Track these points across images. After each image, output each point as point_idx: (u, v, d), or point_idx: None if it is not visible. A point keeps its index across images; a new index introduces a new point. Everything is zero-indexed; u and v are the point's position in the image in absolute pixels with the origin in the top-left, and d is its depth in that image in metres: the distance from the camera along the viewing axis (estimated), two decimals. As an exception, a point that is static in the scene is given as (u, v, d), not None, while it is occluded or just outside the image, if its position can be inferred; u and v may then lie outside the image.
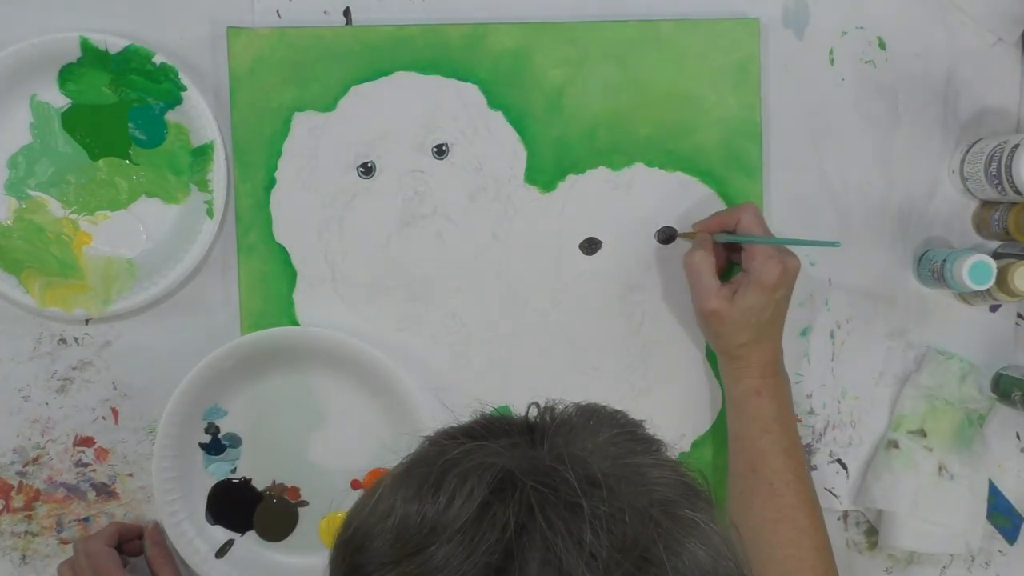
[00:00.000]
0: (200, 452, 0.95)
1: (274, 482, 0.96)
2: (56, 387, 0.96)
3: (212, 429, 0.95)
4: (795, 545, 0.89)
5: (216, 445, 0.95)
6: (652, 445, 0.64)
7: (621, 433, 0.63)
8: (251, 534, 0.96)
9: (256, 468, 0.96)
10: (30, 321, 0.95)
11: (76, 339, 0.96)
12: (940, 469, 0.99)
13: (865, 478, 1.01)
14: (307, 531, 0.97)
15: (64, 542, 0.96)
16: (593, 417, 0.65)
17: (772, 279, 0.90)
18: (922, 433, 1.00)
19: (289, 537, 0.96)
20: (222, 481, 0.96)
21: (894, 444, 1.00)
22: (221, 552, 0.95)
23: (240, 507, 0.96)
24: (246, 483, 0.96)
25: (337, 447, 0.97)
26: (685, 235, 0.97)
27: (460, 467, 0.58)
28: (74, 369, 0.96)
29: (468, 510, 0.56)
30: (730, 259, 0.97)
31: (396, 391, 0.95)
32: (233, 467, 0.96)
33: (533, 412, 0.64)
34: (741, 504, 0.92)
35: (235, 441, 0.96)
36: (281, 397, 0.96)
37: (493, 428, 0.62)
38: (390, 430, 0.96)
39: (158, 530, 0.94)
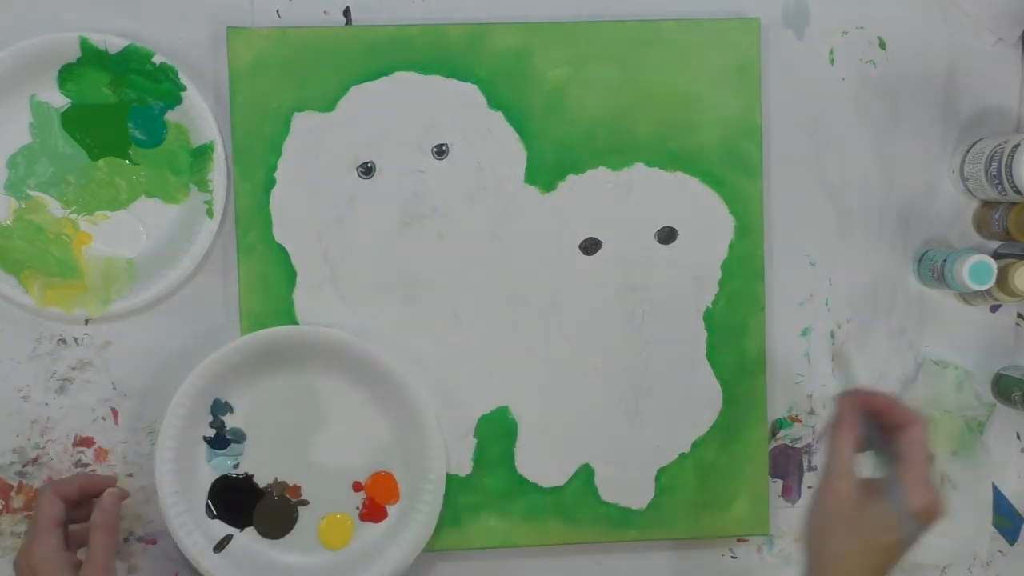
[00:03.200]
0: (204, 445, 0.95)
1: (276, 479, 0.96)
2: (56, 387, 0.96)
3: (217, 423, 0.95)
4: None
5: (220, 439, 0.95)
6: None
7: None
8: (250, 530, 0.96)
9: (258, 465, 0.96)
10: (30, 321, 0.95)
11: (76, 339, 0.96)
12: (942, 480, 0.99)
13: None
14: (306, 530, 0.97)
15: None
16: None
17: (915, 505, 0.77)
18: (922, 444, 1.00)
19: (288, 535, 0.96)
20: (224, 476, 0.96)
21: (895, 458, 1.00)
22: (219, 547, 0.95)
23: (240, 503, 0.96)
24: (248, 479, 0.96)
25: (340, 447, 0.97)
26: (839, 359, 0.92)
27: None
28: (74, 369, 0.96)
29: None
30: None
31: (402, 395, 0.95)
32: (236, 462, 0.96)
33: None
34: None
35: (239, 436, 0.96)
36: (287, 395, 0.96)
37: None
38: (393, 433, 0.97)
39: (115, 499, 0.90)
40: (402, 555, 0.95)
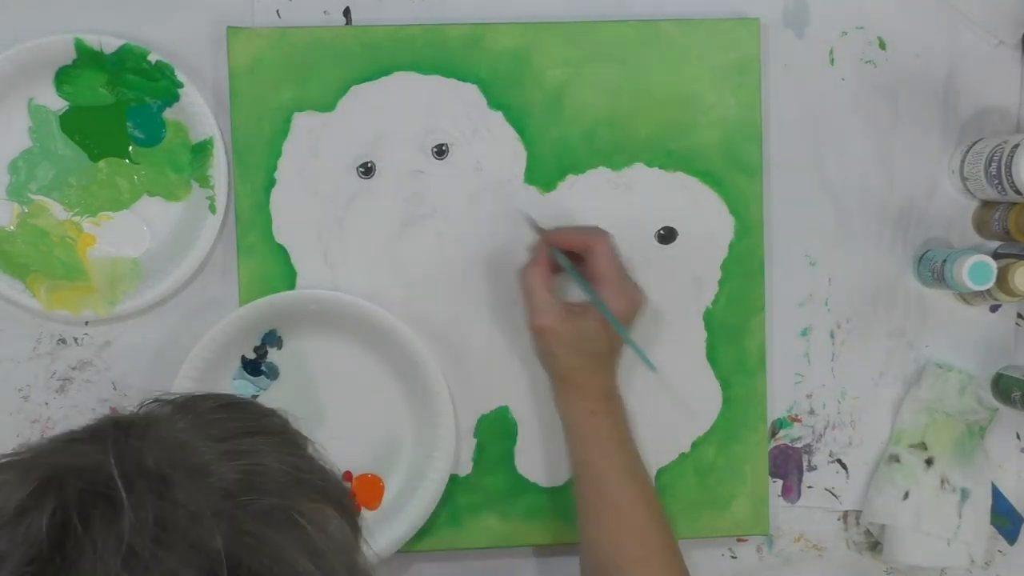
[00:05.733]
0: (238, 363, 0.96)
1: None
2: (56, 387, 0.96)
3: (261, 351, 0.96)
4: (646, 565, 0.88)
5: (255, 366, 0.96)
6: (257, 427, 0.61)
7: (212, 420, 0.60)
8: None
9: (273, 407, 0.96)
10: (30, 321, 0.95)
11: (76, 339, 0.96)
12: (942, 482, 0.99)
13: (867, 493, 1.01)
14: None
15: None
16: (189, 406, 0.61)
17: (619, 311, 0.89)
18: (923, 447, 1.00)
19: None
20: None
21: (895, 458, 1.00)
22: None
23: None
24: None
25: (353, 433, 0.96)
26: (539, 229, 0.94)
27: (14, 469, 0.55)
28: (74, 369, 0.96)
29: (3, 515, 0.53)
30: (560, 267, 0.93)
31: (440, 422, 0.95)
32: (256, 394, 0.96)
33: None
34: (592, 529, 0.90)
35: (273, 372, 0.96)
36: (333, 361, 0.96)
37: (97, 428, 0.59)
38: (408, 450, 0.97)
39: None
40: None
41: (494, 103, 0.97)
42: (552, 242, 0.92)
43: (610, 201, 0.98)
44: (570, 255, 0.92)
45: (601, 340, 0.90)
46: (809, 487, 1.01)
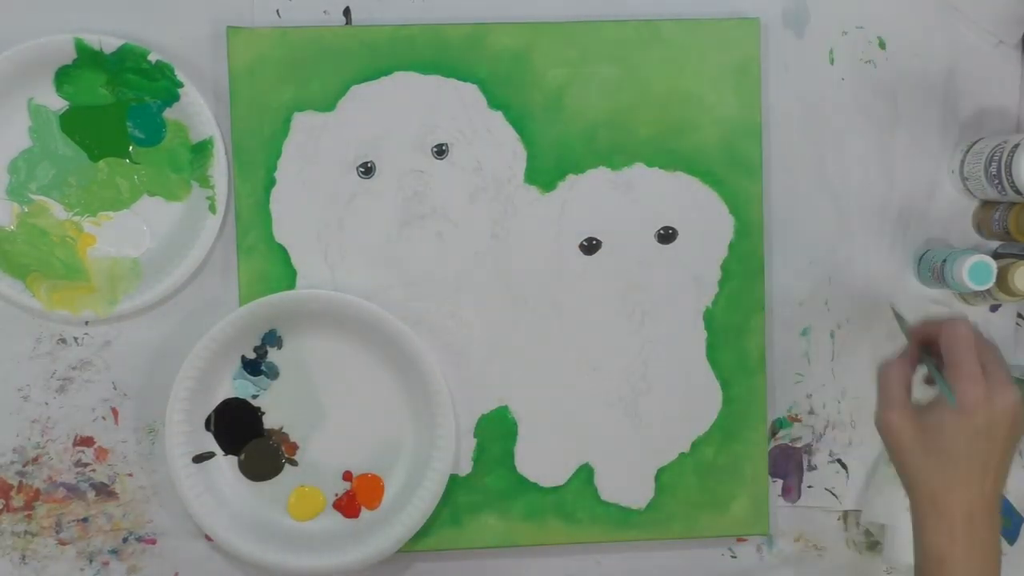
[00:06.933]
0: (238, 363, 0.96)
1: (281, 428, 0.97)
2: (56, 387, 0.96)
3: (261, 351, 0.96)
4: None
5: (255, 365, 0.96)
6: None
7: None
8: (234, 460, 0.96)
9: (274, 408, 0.96)
10: (30, 321, 0.95)
11: (76, 339, 0.96)
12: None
13: (867, 493, 1.01)
14: (281, 487, 0.97)
15: (63, 543, 0.96)
16: None
17: (969, 402, 0.76)
18: (924, 446, 1.00)
19: (263, 483, 0.97)
20: (238, 399, 0.96)
21: (896, 458, 1.00)
22: (199, 458, 0.95)
23: (239, 430, 0.96)
24: (257, 413, 0.96)
25: (354, 433, 0.97)
26: (897, 317, 0.91)
27: None
28: (74, 369, 0.96)
29: None
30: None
31: (439, 417, 0.96)
32: (256, 394, 0.96)
33: None
34: None
35: (273, 372, 0.96)
36: (334, 361, 0.96)
37: None
38: (410, 452, 0.97)
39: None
40: (350, 559, 0.95)
41: (494, 103, 0.97)
42: (920, 337, 0.84)
43: (610, 201, 0.98)
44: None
45: (955, 439, 0.76)
46: (809, 487, 1.01)
